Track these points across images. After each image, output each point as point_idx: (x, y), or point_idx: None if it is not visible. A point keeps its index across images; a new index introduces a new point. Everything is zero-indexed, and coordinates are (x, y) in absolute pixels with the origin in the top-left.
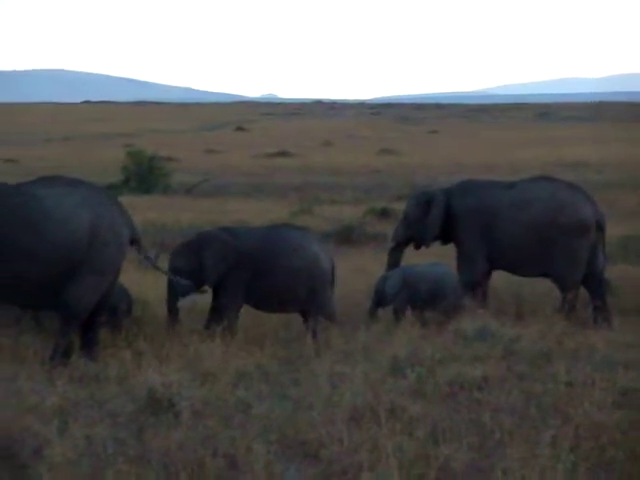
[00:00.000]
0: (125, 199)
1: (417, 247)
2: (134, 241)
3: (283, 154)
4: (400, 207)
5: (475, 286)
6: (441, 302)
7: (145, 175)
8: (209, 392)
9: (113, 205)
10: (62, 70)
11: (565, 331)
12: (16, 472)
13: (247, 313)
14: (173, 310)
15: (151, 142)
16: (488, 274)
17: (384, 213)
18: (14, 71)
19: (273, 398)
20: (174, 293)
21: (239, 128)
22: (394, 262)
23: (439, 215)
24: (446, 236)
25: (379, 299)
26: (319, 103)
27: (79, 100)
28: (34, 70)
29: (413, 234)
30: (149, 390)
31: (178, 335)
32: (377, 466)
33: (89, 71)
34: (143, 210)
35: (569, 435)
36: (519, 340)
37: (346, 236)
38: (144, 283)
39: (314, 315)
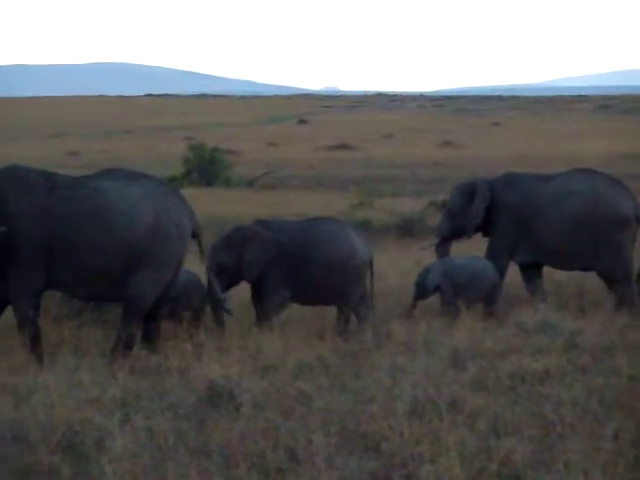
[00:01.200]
0: (186, 192)
1: (458, 238)
2: (195, 234)
3: (344, 147)
4: None
5: (500, 277)
6: (479, 295)
7: (206, 168)
8: (269, 384)
9: (175, 198)
10: (125, 63)
11: (627, 324)
12: (78, 464)
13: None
14: (216, 307)
15: (213, 135)
16: (539, 268)
17: (445, 206)
18: (77, 64)
19: (333, 391)
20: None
21: (301, 121)
22: (442, 257)
23: (482, 205)
24: (487, 228)
25: (420, 292)
26: (380, 95)
27: (141, 93)
28: (97, 63)
29: (457, 226)
30: (210, 382)
31: (239, 327)
32: (438, 459)
33: (152, 64)
34: (204, 203)
35: (631, 429)
36: (581, 333)
37: (407, 229)
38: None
39: (349, 307)
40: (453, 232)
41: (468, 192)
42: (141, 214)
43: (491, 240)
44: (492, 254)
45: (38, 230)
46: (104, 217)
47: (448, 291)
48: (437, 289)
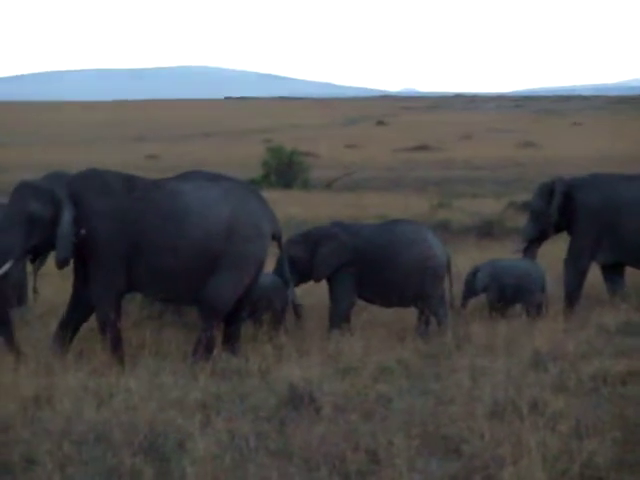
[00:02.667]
0: (265, 194)
1: (544, 239)
2: (275, 237)
3: (423, 148)
4: None
5: (580, 281)
6: (526, 296)
7: (285, 170)
8: (350, 387)
9: (255, 199)
10: (204, 67)
11: None
12: (159, 466)
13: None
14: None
15: (291, 137)
16: (620, 268)
17: (525, 207)
18: (157, 68)
19: (414, 392)
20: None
21: (379, 122)
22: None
23: (557, 204)
24: (570, 228)
25: (468, 291)
26: (459, 96)
27: (220, 96)
28: (177, 67)
29: (541, 227)
30: (290, 384)
31: (319, 329)
32: (519, 461)
33: (231, 67)
34: (283, 205)
35: None
36: None
37: (487, 230)
38: None
39: (427, 309)
40: (539, 234)
41: (548, 192)
42: (216, 216)
43: (572, 240)
44: (573, 254)
45: (116, 232)
46: (179, 219)
47: (495, 292)
48: (485, 289)
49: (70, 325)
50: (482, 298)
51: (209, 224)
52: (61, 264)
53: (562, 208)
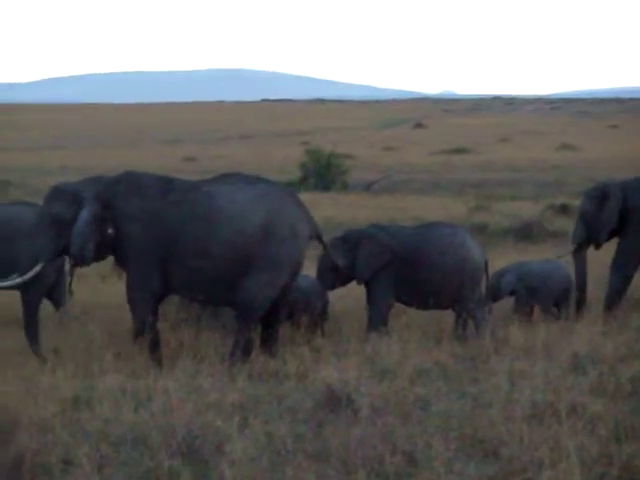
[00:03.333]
0: (303, 197)
1: (596, 247)
2: (314, 238)
3: (461, 150)
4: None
5: (625, 286)
6: (553, 299)
7: (323, 172)
8: (387, 389)
9: (291, 201)
10: (242, 69)
11: None
12: (197, 468)
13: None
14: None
15: (329, 140)
16: None
17: (564, 209)
18: (194, 70)
19: (452, 395)
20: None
21: (418, 125)
22: (581, 265)
23: (616, 209)
24: (620, 232)
25: (494, 295)
26: (497, 99)
27: (258, 99)
28: (214, 69)
29: (591, 232)
30: (327, 386)
31: (356, 332)
32: (558, 464)
33: (269, 70)
34: (321, 207)
35: None
36: None
37: (525, 232)
38: None
39: (465, 311)
40: (588, 238)
41: (600, 196)
42: (249, 217)
43: (622, 245)
44: (622, 259)
45: (150, 234)
46: (212, 221)
47: (522, 295)
48: (512, 293)
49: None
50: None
51: (243, 226)
52: (75, 261)
53: (619, 212)
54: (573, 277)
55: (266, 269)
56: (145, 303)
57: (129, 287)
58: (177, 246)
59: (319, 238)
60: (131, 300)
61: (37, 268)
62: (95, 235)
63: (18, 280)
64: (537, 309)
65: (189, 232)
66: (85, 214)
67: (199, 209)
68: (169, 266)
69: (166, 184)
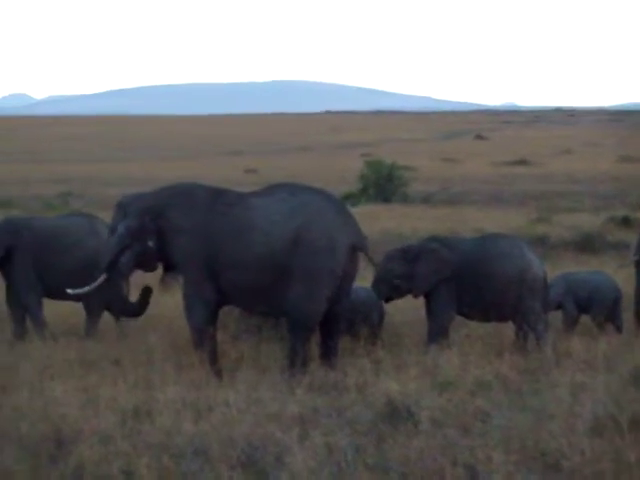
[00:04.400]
0: (363, 208)
1: None
2: (359, 249)
3: (522, 162)
4: None
5: None
6: (601, 310)
7: (383, 184)
8: (448, 401)
9: (332, 211)
10: (303, 81)
11: None
12: (258, 479)
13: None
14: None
15: (390, 151)
16: None
17: (625, 221)
18: (256, 82)
19: (513, 408)
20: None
21: (478, 136)
22: None
23: None
24: None
25: (544, 306)
26: (558, 111)
27: (319, 110)
28: (276, 81)
29: None
30: (388, 398)
31: (416, 344)
32: (620, 477)
33: (330, 82)
34: (381, 219)
35: None
36: None
37: (586, 244)
38: None
39: (525, 323)
40: None
41: None
42: (280, 229)
43: None
44: None
45: (197, 246)
46: (245, 233)
47: (570, 307)
48: (560, 304)
49: None
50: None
51: (272, 238)
52: (104, 271)
53: None
54: (621, 288)
55: (304, 280)
56: (198, 314)
57: (184, 297)
58: (220, 257)
59: (364, 250)
60: (186, 309)
61: (101, 279)
62: (134, 247)
63: (86, 289)
64: (584, 320)
65: (227, 244)
66: (121, 227)
67: (236, 221)
68: (218, 278)
69: (215, 196)
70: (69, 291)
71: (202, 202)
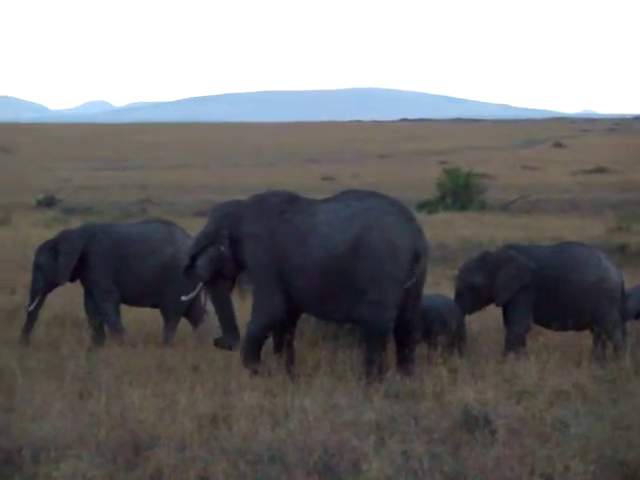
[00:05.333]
0: (440, 216)
1: None
2: (423, 255)
3: (601, 170)
4: None
5: None
6: None
7: (461, 192)
8: (525, 410)
9: (394, 218)
10: (380, 89)
11: None
12: None
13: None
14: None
15: (467, 159)
16: None
17: None
18: (333, 90)
19: (591, 417)
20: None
21: (557, 144)
22: None
23: None
24: None
25: (622, 315)
26: (638, 119)
27: (396, 118)
28: (353, 89)
29: None
30: (465, 407)
31: (494, 352)
32: None
33: (407, 89)
34: (458, 227)
35: None
36: None
37: None
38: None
39: (603, 332)
40: None
41: None
42: (339, 235)
43: None
44: None
45: (265, 253)
46: (307, 239)
47: None
48: (638, 314)
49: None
50: None
51: (332, 244)
52: (183, 275)
53: None
54: None
55: (368, 286)
56: (260, 321)
57: (253, 303)
58: (286, 264)
59: (424, 257)
60: (252, 315)
61: (198, 288)
62: (209, 252)
63: (184, 298)
64: None
65: (292, 250)
66: (199, 232)
67: (300, 227)
68: (286, 284)
69: (286, 203)
70: (183, 298)
71: (273, 209)
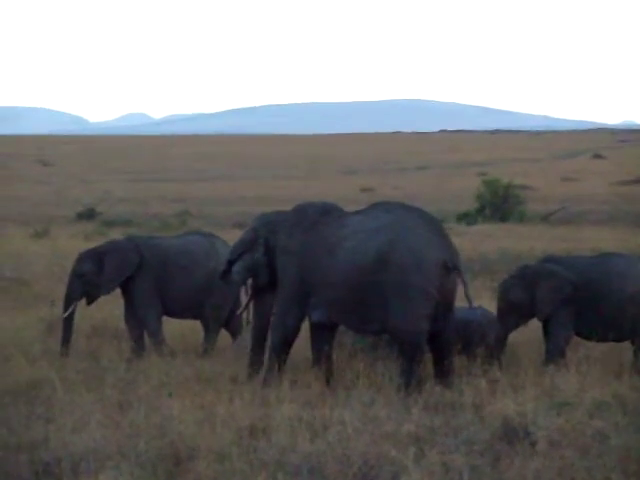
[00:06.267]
0: (480, 227)
1: None
2: (452, 267)
3: None
4: None
5: None
6: None
7: (500, 204)
8: (565, 422)
9: (422, 229)
10: (420, 100)
11: None
12: None
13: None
14: (501, 341)
15: (506, 171)
16: None
17: None
18: (372, 101)
19: (631, 429)
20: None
21: (596, 155)
22: None
23: None
24: None
25: None
26: None
27: (436, 129)
28: (392, 100)
29: None
30: (504, 418)
31: (533, 364)
32: None
33: (446, 100)
34: (498, 238)
35: None
36: None
37: None
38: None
39: None
40: None
41: None
42: (365, 247)
43: None
44: None
45: (293, 267)
46: (333, 251)
47: None
48: None
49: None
50: None
51: (357, 256)
52: (220, 279)
53: None
54: None
55: (397, 298)
56: (278, 334)
57: (275, 310)
58: (314, 275)
59: (457, 268)
60: (273, 322)
61: (247, 302)
62: (245, 258)
63: (238, 313)
64: None
65: (319, 261)
66: (237, 240)
67: (328, 239)
68: (316, 296)
69: (320, 215)
70: (238, 313)
71: (306, 221)
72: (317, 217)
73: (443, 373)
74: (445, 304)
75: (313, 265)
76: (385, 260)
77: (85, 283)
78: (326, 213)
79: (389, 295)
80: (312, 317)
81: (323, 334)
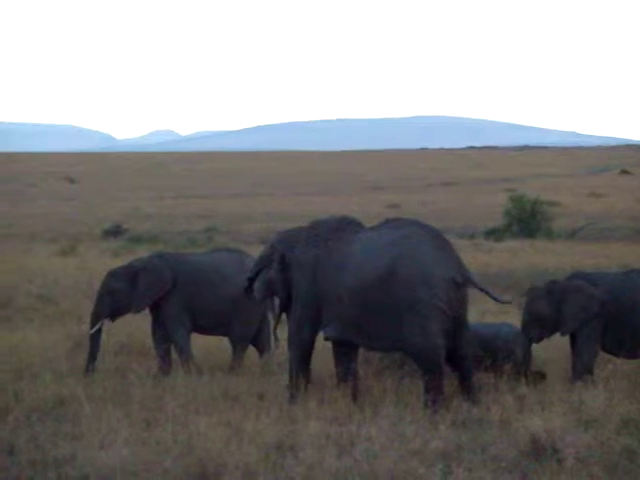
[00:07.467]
0: (508, 244)
1: None
2: (463, 283)
3: None
4: None
5: None
6: None
7: (528, 220)
8: (593, 438)
9: (429, 246)
10: (447, 117)
11: None
12: None
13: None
14: (527, 357)
15: (534, 187)
16: None
17: None
18: (399, 118)
19: None
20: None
21: (624, 171)
22: None
23: None
24: None
25: None
26: None
27: (463, 146)
28: (419, 117)
29: None
30: (532, 435)
31: (561, 380)
32: None
33: (473, 117)
34: (525, 254)
35: None
36: None
37: None
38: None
39: None
40: None
41: None
42: (372, 263)
43: None
44: None
45: (306, 284)
46: (342, 267)
47: None
48: None
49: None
50: None
51: (364, 272)
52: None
53: None
54: None
55: (407, 315)
56: (295, 351)
57: (288, 326)
58: (327, 291)
59: (473, 283)
60: (288, 339)
61: (277, 318)
62: (263, 275)
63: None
64: None
65: (329, 278)
66: (257, 257)
67: (337, 255)
68: (328, 312)
69: (334, 231)
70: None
71: (320, 237)
72: (330, 233)
73: (468, 390)
74: (457, 320)
75: (324, 280)
76: (392, 277)
77: (116, 300)
78: (340, 229)
79: (400, 312)
80: (325, 333)
81: (344, 350)
